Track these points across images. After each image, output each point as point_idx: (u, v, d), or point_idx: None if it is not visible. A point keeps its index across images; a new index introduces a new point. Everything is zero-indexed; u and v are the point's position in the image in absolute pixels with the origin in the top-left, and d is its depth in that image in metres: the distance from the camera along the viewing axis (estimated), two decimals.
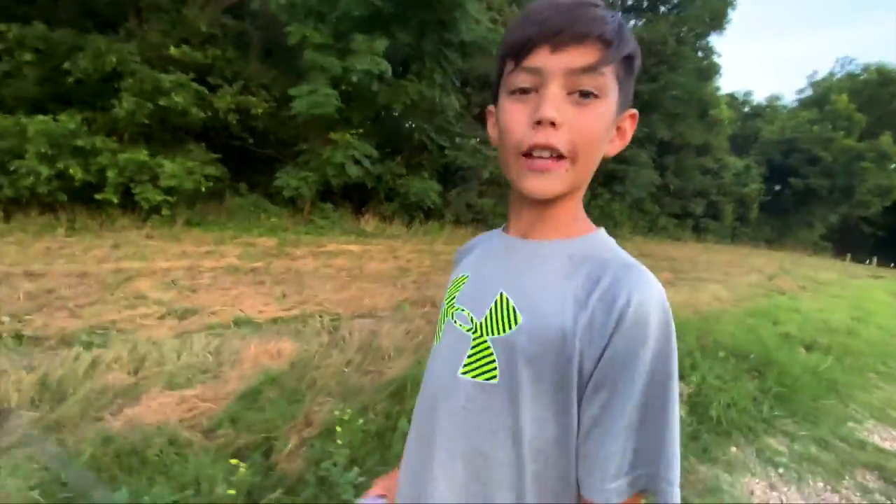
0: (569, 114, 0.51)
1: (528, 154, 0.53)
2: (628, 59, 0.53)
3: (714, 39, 19.75)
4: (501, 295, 0.58)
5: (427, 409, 0.63)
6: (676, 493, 0.49)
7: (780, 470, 2.42)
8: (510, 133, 0.54)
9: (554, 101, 0.51)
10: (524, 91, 0.53)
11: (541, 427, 0.53)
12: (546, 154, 0.52)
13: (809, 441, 2.75)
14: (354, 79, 7.74)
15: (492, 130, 0.63)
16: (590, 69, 0.50)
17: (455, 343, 0.61)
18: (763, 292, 7.42)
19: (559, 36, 0.50)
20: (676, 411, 0.50)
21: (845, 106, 22.66)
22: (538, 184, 0.54)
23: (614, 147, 0.59)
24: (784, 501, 2.17)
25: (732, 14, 18.61)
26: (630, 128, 0.60)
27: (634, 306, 0.49)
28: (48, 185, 6.95)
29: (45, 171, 6.67)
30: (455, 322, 0.63)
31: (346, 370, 2.91)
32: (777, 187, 24.70)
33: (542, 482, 0.54)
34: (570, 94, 0.51)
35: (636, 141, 17.48)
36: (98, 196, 7.33)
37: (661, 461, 0.49)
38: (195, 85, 7.73)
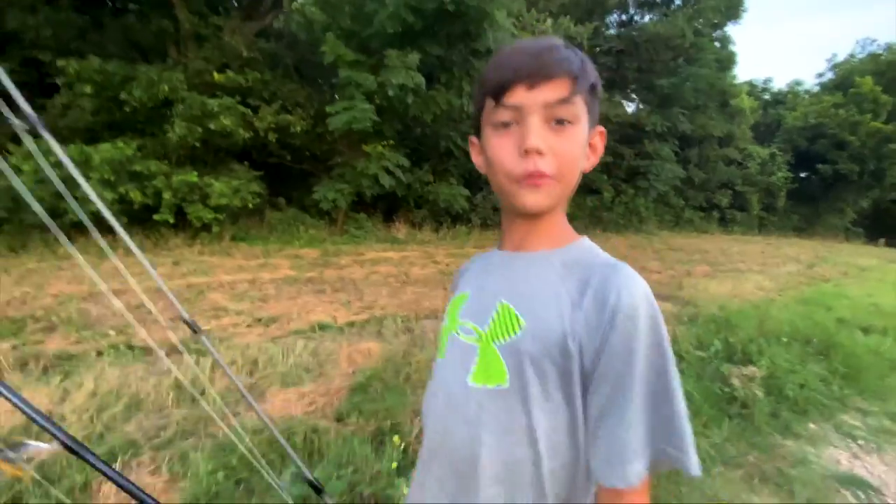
0: (550, 140, 0.58)
1: (520, 179, 0.59)
2: (593, 87, 0.61)
3: (730, 28, 19.50)
4: (502, 303, 0.63)
5: (440, 420, 0.66)
6: (694, 461, 0.53)
7: (860, 442, 2.56)
8: (500, 163, 0.60)
9: (536, 132, 0.57)
10: (506, 125, 0.59)
11: (553, 424, 0.57)
12: (535, 177, 0.58)
13: (882, 416, 2.87)
14: (391, 93, 8.04)
15: (476, 159, 0.69)
16: (563, 101, 0.57)
17: (461, 355, 0.65)
18: (806, 280, 7.44)
19: (533, 77, 0.57)
20: (678, 388, 0.55)
21: (870, 88, 22.18)
22: (532, 199, 0.60)
23: (590, 162, 0.66)
24: (869, 469, 2.31)
25: (748, 2, 18.51)
26: (600, 143, 0.67)
27: (624, 303, 0.54)
28: (110, 208, 7.40)
29: (109, 195, 7.12)
30: (459, 335, 0.67)
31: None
32: (803, 174, 24.25)
33: (558, 478, 0.58)
34: (547, 122, 0.58)
35: (658, 135, 17.49)
36: (157, 217, 7.76)
37: (675, 436, 0.53)
38: (241, 107, 8.13)
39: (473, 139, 0.70)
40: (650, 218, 17.61)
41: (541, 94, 0.57)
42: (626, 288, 0.55)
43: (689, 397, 2.71)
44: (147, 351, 3.45)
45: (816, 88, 28.66)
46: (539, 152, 0.57)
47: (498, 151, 0.60)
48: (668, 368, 0.54)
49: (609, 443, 0.54)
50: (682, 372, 3.06)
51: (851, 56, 28.77)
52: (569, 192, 0.63)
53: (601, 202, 16.64)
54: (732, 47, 20.28)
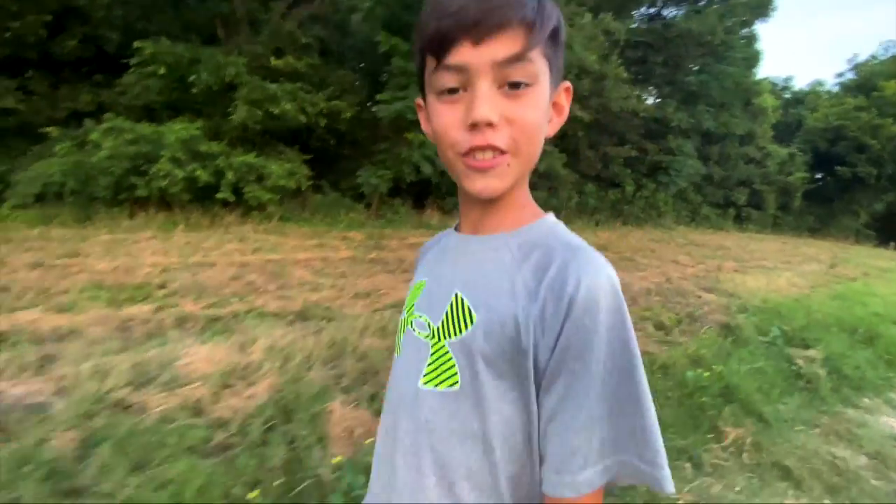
0: (503, 108, 0.49)
1: (468, 153, 0.51)
2: (554, 34, 0.51)
3: (757, 26, 19.60)
4: (457, 295, 0.57)
5: (390, 425, 0.61)
6: (667, 477, 0.47)
7: None
8: (446, 136, 0.52)
9: (486, 101, 0.49)
10: (452, 90, 0.51)
11: (511, 428, 0.51)
12: (488, 154, 0.51)
13: None
14: None
15: (425, 127, 0.60)
16: (517, 58, 0.48)
17: (415, 352, 0.59)
18: (833, 279, 7.88)
19: (479, 27, 0.47)
20: (648, 396, 0.48)
21: (894, 92, 22.32)
22: (483, 183, 0.52)
23: (553, 126, 0.57)
24: None
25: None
26: (566, 102, 0.58)
27: (583, 291, 0.47)
28: (177, 185, 7.85)
29: (179, 174, 7.56)
30: (414, 330, 0.61)
31: None
32: (819, 175, 24.52)
33: (519, 485, 0.53)
34: (500, 87, 0.49)
35: (682, 132, 17.77)
36: (218, 195, 8.20)
37: (643, 446, 0.47)
38: (301, 93, 8.51)
39: (420, 102, 0.61)
40: (668, 213, 18.00)
41: (489, 51, 0.48)
42: (586, 275, 0.48)
43: (761, 372, 3.19)
44: (276, 315, 3.93)
45: (836, 88, 28.75)
46: (490, 124, 0.49)
47: (442, 122, 0.52)
48: (634, 371, 0.48)
49: (558, 449, 0.48)
50: (750, 353, 3.55)
51: (873, 57, 28.74)
52: (529, 166, 0.56)
53: (623, 195, 17.01)
54: (757, 45, 20.48)
